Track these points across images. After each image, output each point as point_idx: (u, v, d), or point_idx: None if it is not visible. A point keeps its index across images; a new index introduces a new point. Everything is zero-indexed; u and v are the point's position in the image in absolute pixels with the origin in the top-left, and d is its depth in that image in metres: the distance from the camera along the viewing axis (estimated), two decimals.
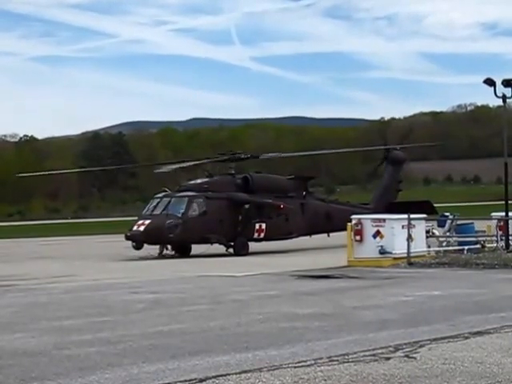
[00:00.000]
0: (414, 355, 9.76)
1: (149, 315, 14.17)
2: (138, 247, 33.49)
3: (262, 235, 34.93)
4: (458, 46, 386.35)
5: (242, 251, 33.54)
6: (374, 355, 9.78)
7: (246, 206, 34.32)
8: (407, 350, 10.12)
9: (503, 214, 27.37)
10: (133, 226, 33.58)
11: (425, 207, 35.47)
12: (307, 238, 37.22)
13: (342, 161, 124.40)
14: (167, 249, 34.02)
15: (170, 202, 33.66)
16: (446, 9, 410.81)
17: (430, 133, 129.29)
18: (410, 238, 24.77)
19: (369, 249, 24.68)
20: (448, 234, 29.22)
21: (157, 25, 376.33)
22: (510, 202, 27.15)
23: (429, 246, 26.51)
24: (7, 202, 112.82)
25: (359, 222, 25.15)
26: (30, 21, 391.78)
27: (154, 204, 34.13)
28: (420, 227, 25.82)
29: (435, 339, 10.84)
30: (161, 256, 33.59)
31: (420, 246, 25.45)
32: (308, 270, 23.23)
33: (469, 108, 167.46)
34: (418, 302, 15.52)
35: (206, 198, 33.70)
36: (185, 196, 33.82)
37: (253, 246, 34.65)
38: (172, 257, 33.24)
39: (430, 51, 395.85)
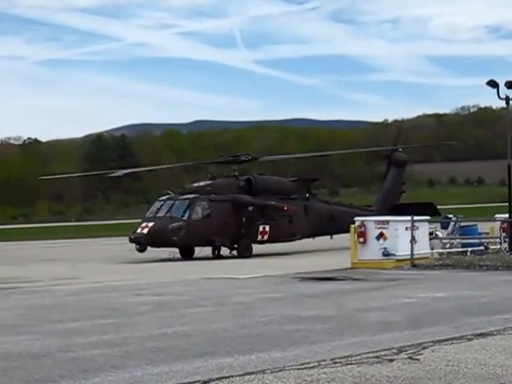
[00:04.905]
0: (418, 357, 9.77)
1: (153, 317, 14.21)
2: (141, 249, 33.54)
3: (266, 237, 34.92)
4: (462, 48, 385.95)
5: (245, 253, 33.55)
6: (377, 357, 9.79)
7: (250, 208, 34.32)
8: (410, 351, 10.13)
9: (507, 215, 27.35)
10: (136, 229, 33.62)
11: (428, 209, 35.42)
12: (310, 239, 37.21)
13: (345, 163, 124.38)
14: (219, 250, 34.03)
15: (173, 204, 33.68)
16: (450, 12, 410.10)
17: (434, 135, 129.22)
18: (413, 240, 24.77)
19: (372, 251, 24.68)
20: (451, 235, 29.20)
21: (162, 28, 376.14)
22: None
23: (432, 248, 26.49)
24: (12, 205, 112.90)
25: (362, 224, 25.15)
26: (37, 25, 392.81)
27: (158, 206, 34.16)
28: (423, 229, 25.81)
29: (438, 341, 10.85)
30: (218, 256, 33.63)
31: (423, 247, 25.45)
32: (311, 272, 23.24)
33: (472, 110, 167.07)
34: (422, 303, 15.53)
35: (210, 200, 33.71)
36: (188, 198, 33.83)
37: (256, 248, 34.66)
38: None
39: (434, 54, 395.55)
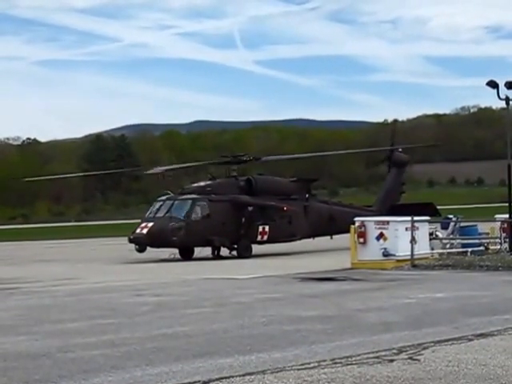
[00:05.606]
0: (418, 357, 9.76)
1: (152, 318, 14.19)
2: (141, 250, 33.55)
3: (265, 237, 34.92)
4: (462, 48, 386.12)
5: (245, 253, 33.55)
6: (377, 357, 9.78)
7: (249, 209, 34.32)
8: (411, 352, 10.12)
9: (507, 216, 27.35)
10: (136, 229, 33.61)
11: (428, 209, 35.40)
12: (310, 240, 37.21)
13: (344, 163, 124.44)
14: (219, 251, 34.08)
15: (173, 204, 33.68)
16: (450, 12, 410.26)
17: (434, 135, 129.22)
18: (413, 240, 24.76)
19: (372, 251, 24.66)
20: (451, 236, 29.19)
21: (161, 29, 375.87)
22: None
23: (432, 248, 26.48)
24: (11, 205, 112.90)
25: (362, 225, 25.13)
26: (36, 25, 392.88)
27: (157, 207, 34.16)
28: (423, 229, 25.80)
29: (439, 341, 10.84)
30: (217, 256, 33.66)
31: (423, 248, 25.44)
32: (311, 272, 23.23)
33: (472, 110, 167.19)
34: (422, 304, 15.52)
35: (209, 200, 33.71)
36: (188, 199, 33.83)
37: (256, 248, 34.66)
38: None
39: (434, 54, 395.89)
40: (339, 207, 38.68)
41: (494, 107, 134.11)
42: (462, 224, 29.62)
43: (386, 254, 24.51)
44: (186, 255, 33.85)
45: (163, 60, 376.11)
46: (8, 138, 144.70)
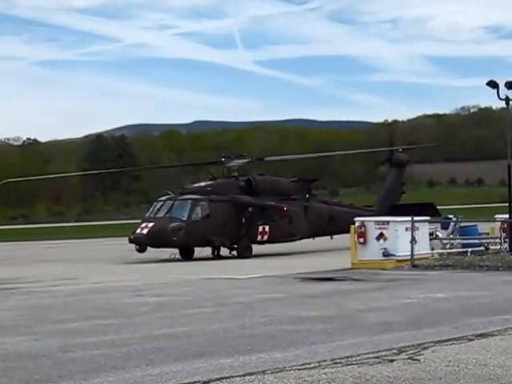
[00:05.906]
0: (418, 357, 9.76)
1: (153, 318, 14.19)
2: (141, 250, 33.55)
3: (266, 237, 34.93)
4: (462, 48, 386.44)
5: (245, 253, 33.56)
6: (377, 357, 9.78)
7: (250, 209, 34.33)
8: (411, 352, 10.12)
9: (507, 216, 27.34)
10: (136, 229, 33.63)
11: (428, 209, 35.39)
12: (310, 240, 37.21)
13: (345, 163, 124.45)
14: (219, 251, 34.11)
15: (173, 204, 33.68)
16: (450, 12, 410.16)
17: (434, 135, 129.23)
18: (413, 241, 24.76)
19: (372, 251, 24.66)
20: (451, 236, 29.19)
21: (161, 29, 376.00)
22: None
23: (432, 249, 26.48)
24: (11, 206, 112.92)
25: (362, 225, 25.13)
26: (36, 25, 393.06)
27: (158, 207, 34.17)
28: (423, 229, 25.80)
29: (439, 341, 10.84)
30: (217, 256, 33.67)
31: (423, 248, 25.44)
32: (312, 272, 23.23)
33: (472, 110, 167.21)
34: (422, 304, 15.52)
35: (210, 200, 33.72)
36: (188, 199, 33.84)
37: (256, 248, 34.66)
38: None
39: (434, 54, 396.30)
40: (339, 207, 38.68)
41: (494, 107, 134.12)
42: (462, 224, 29.62)
43: (386, 254, 24.51)
44: (187, 255, 33.88)
45: (163, 60, 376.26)
46: (8, 139, 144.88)
